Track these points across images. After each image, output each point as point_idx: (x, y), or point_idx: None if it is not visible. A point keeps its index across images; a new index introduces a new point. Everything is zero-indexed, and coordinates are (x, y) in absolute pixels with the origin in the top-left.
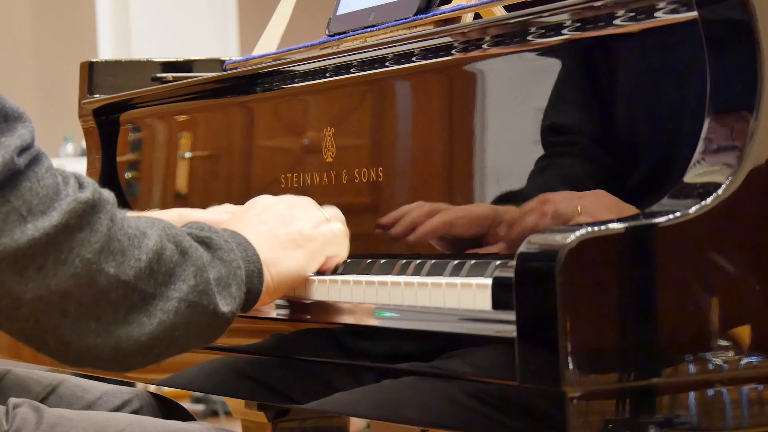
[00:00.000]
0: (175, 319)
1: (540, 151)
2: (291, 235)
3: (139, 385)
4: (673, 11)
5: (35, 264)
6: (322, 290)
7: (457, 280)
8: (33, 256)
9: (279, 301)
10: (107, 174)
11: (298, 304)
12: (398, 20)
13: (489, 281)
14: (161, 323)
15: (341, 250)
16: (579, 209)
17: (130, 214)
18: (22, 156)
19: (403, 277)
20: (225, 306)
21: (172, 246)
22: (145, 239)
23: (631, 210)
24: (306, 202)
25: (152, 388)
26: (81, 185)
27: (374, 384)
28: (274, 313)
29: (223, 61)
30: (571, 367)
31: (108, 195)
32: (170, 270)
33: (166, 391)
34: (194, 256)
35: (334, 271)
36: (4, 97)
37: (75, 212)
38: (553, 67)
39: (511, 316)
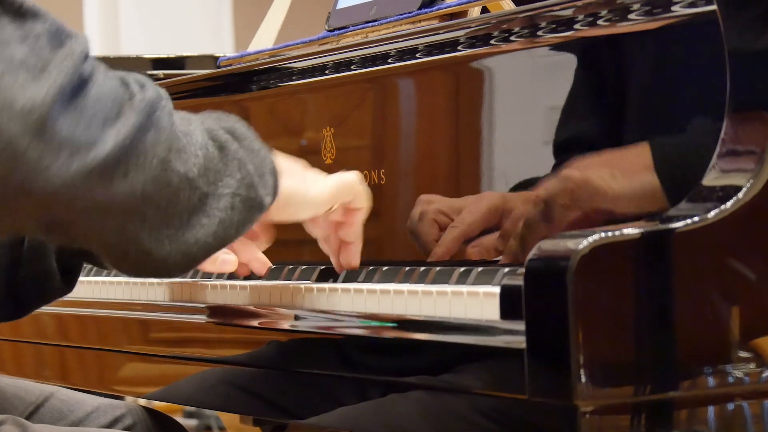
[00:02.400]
0: (232, 216)
1: (551, 153)
2: (303, 168)
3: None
4: (691, 5)
5: (120, 170)
6: (321, 299)
7: (464, 288)
8: (118, 163)
9: (276, 309)
10: None
11: (296, 312)
12: (401, 14)
13: (497, 289)
14: (221, 222)
15: (358, 201)
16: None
17: None
18: (86, 62)
19: (407, 285)
20: (267, 196)
21: (210, 141)
22: (193, 135)
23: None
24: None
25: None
26: (141, 84)
27: (378, 398)
28: (270, 323)
29: (217, 58)
30: (583, 380)
31: (164, 91)
32: (217, 166)
33: (156, 405)
34: (232, 150)
35: (335, 279)
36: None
37: (145, 112)
38: (564, 63)
39: (521, 326)
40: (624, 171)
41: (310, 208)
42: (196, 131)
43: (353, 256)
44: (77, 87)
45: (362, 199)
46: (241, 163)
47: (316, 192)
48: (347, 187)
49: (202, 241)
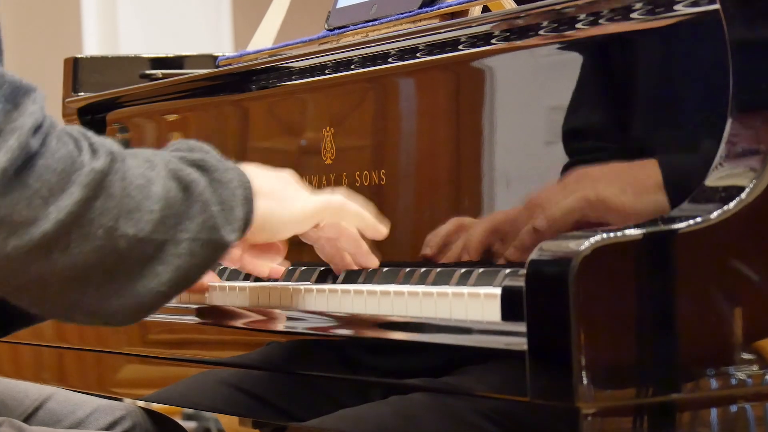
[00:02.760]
0: (190, 261)
1: (553, 153)
2: (284, 186)
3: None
4: (694, 3)
5: (60, 245)
6: (321, 300)
7: (465, 289)
8: (58, 239)
9: (275, 310)
10: None
11: (296, 314)
12: (402, 13)
13: (498, 291)
14: (177, 269)
15: (348, 221)
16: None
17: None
18: (36, 135)
19: (407, 286)
20: (231, 234)
21: (174, 184)
22: (152, 186)
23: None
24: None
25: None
26: (93, 149)
27: (379, 400)
28: (270, 324)
29: (216, 57)
30: (585, 382)
31: (116, 148)
32: (177, 211)
33: (155, 407)
34: (197, 191)
35: (335, 280)
36: (5, 71)
37: (94, 183)
38: (566, 63)
39: (522, 327)
40: (628, 174)
41: (289, 228)
42: (158, 178)
43: (364, 261)
44: (21, 165)
45: (353, 219)
46: (205, 204)
47: (295, 212)
48: (332, 208)
49: (154, 291)
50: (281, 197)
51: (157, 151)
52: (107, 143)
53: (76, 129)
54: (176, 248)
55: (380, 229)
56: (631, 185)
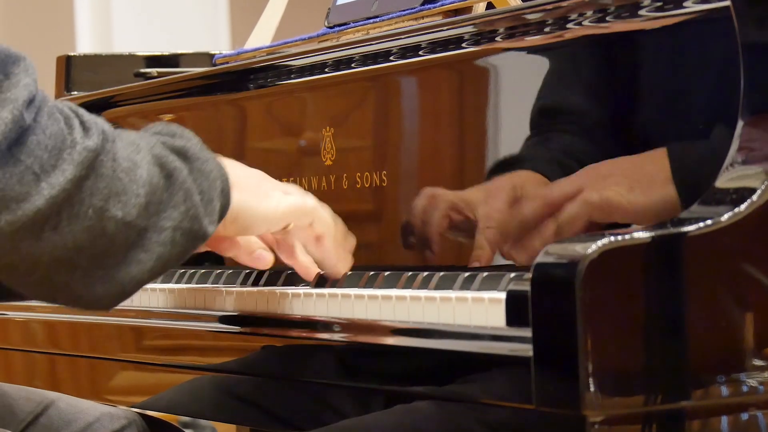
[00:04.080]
0: (172, 250)
1: (560, 154)
2: (259, 182)
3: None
4: (704, 0)
5: (51, 223)
6: (321, 305)
7: (468, 294)
8: (48, 217)
9: (273, 315)
10: None
11: (294, 319)
12: (404, 10)
13: (502, 295)
14: (159, 257)
15: (319, 226)
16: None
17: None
18: (29, 109)
19: (409, 291)
20: (210, 225)
21: (157, 170)
22: (137, 170)
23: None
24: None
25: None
26: (85, 128)
27: (382, 409)
28: (268, 329)
29: (212, 55)
30: (592, 389)
31: (107, 128)
32: (160, 198)
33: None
34: (180, 178)
35: (334, 285)
36: None
37: (86, 161)
38: (572, 62)
39: (527, 333)
40: (637, 174)
41: (261, 224)
42: (143, 162)
43: (332, 270)
44: (14, 139)
45: (323, 225)
46: (188, 193)
47: (268, 208)
48: (304, 211)
49: (137, 279)
50: (256, 192)
51: (141, 134)
52: (99, 122)
53: (67, 105)
54: (159, 236)
55: (350, 239)
56: (639, 183)
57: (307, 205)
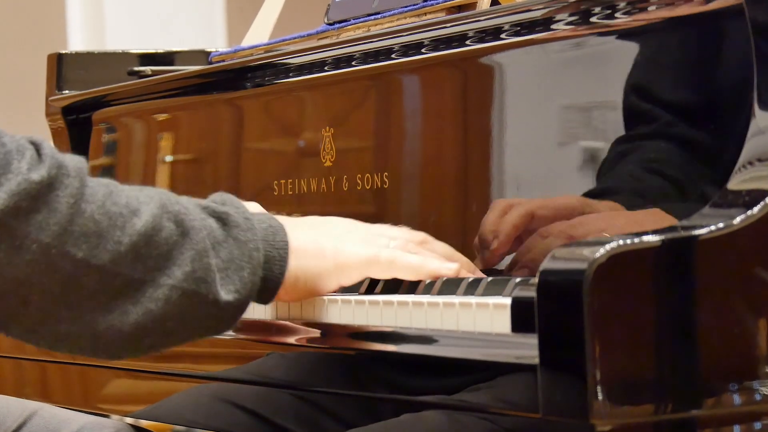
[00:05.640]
0: (166, 309)
1: (566, 154)
2: (325, 242)
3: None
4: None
5: None
6: (320, 311)
7: (472, 299)
8: None
9: (275, 322)
10: None
11: (294, 326)
12: (406, 6)
13: (508, 301)
14: (148, 312)
15: (403, 274)
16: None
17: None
18: None
19: (412, 296)
20: (228, 294)
21: (170, 225)
22: (134, 218)
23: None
24: (387, 228)
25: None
26: (40, 158)
27: (389, 419)
28: (268, 336)
29: (208, 53)
30: (600, 397)
31: (74, 168)
32: (164, 253)
33: (144, 424)
34: (196, 238)
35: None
36: None
37: (26, 193)
38: (578, 59)
39: (533, 340)
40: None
41: (329, 285)
42: (145, 214)
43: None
44: None
45: (407, 275)
46: (201, 255)
47: (337, 268)
48: (381, 265)
49: (116, 327)
50: (321, 255)
51: (168, 193)
52: (68, 160)
53: (32, 137)
54: (155, 291)
55: (445, 272)
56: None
57: (382, 258)
